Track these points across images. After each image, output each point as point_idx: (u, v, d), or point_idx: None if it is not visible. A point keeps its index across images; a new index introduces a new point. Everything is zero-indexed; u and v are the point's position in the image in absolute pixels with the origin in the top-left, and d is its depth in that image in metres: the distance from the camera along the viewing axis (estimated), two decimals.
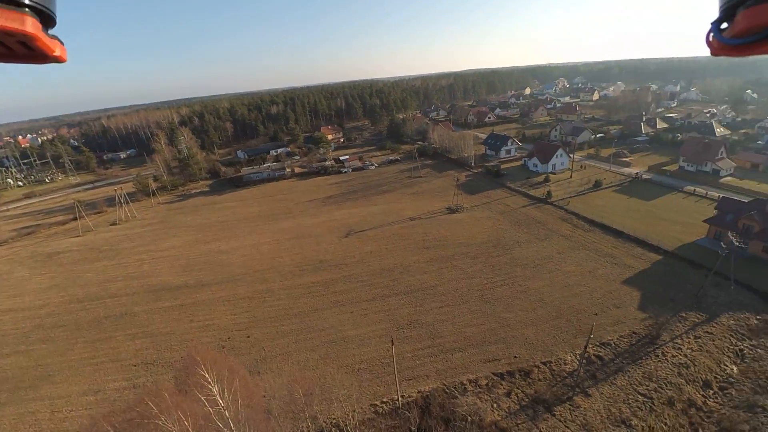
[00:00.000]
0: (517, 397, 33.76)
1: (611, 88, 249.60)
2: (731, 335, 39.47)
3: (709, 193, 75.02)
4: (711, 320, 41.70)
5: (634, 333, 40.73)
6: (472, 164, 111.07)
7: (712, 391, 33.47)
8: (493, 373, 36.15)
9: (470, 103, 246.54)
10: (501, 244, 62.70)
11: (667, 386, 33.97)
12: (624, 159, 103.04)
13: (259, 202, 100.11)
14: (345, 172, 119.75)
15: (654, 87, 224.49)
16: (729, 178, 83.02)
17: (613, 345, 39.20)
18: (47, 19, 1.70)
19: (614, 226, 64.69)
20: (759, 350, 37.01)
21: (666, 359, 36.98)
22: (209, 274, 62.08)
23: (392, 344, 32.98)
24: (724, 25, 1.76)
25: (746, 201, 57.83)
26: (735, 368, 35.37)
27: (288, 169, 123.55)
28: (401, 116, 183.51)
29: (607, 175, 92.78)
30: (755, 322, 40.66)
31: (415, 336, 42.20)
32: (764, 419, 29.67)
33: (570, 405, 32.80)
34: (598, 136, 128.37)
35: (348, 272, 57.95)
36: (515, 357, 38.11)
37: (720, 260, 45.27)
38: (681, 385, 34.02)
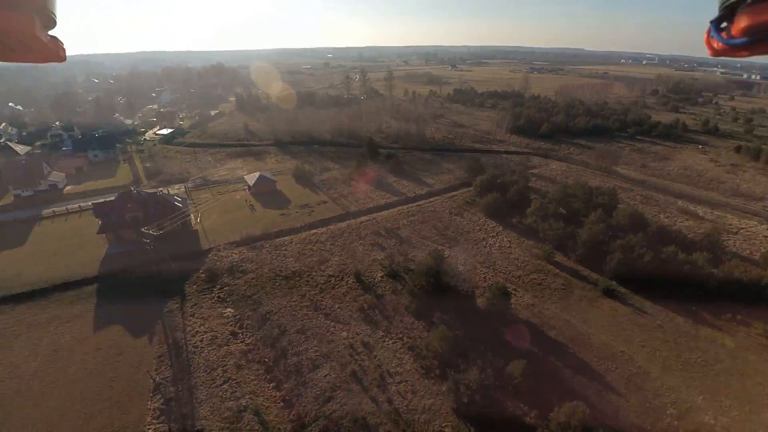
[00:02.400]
0: None
1: None
2: (215, 304, 47.77)
3: (68, 207, 73.01)
4: (185, 302, 47.39)
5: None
6: None
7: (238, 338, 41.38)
8: None
9: None
10: None
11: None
12: None
13: None
14: None
15: None
16: (70, 188, 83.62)
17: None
18: (47, 20, 1.74)
19: None
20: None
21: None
22: None
23: None
24: (724, 24, 1.80)
25: (113, 199, 62.10)
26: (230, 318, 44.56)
27: None
28: None
29: None
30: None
31: None
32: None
33: None
34: None
35: None
36: None
37: (148, 253, 49.62)
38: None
